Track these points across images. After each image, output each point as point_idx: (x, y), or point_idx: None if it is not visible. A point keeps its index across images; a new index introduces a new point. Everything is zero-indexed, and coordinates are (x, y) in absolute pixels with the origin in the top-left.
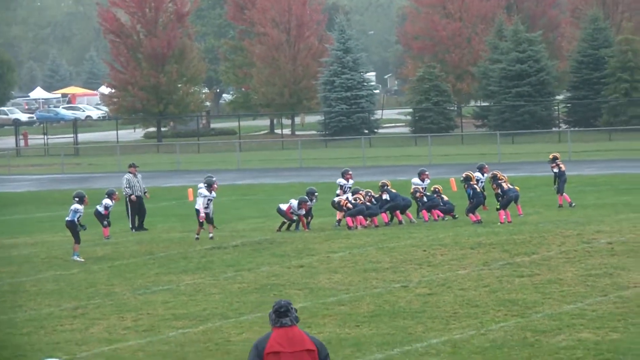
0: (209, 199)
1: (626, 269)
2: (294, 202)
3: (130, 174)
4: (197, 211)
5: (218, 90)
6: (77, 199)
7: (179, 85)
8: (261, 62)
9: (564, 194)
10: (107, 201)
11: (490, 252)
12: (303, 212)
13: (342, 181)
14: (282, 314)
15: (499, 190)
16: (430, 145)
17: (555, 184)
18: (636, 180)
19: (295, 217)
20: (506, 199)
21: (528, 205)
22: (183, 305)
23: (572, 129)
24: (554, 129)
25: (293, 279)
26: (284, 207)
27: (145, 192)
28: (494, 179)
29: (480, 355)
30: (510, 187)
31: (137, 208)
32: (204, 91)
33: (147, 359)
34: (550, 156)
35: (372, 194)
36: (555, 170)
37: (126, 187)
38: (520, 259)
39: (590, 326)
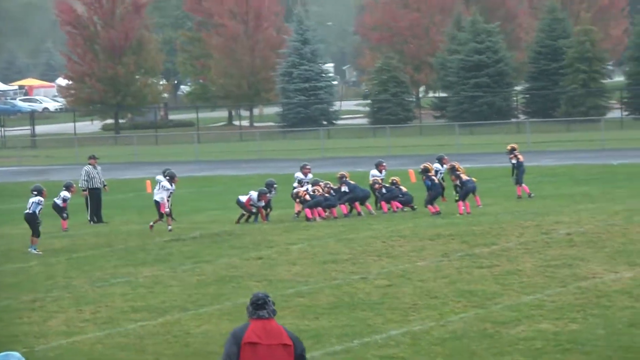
0: (170, 192)
1: (585, 260)
2: (254, 194)
3: (90, 166)
4: (157, 203)
5: (176, 82)
6: (35, 192)
7: (137, 77)
8: (219, 54)
9: (523, 184)
10: (65, 193)
11: (449, 243)
12: (262, 203)
13: (299, 175)
14: (259, 306)
15: (458, 182)
16: (388, 136)
17: (513, 175)
18: (594, 171)
19: (254, 209)
20: (465, 190)
21: (487, 196)
22: (142, 297)
23: (530, 119)
24: (512, 119)
25: (252, 270)
26: (243, 198)
27: (104, 185)
28: (452, 170)
29: (440, 347)
30: (468, 178)
31: (95, 200)
32: (161, 83)
33: (105, 352)
34: (509, 147)
35: (331, 185)
36: (514, 161)
37: (84, 179)
38: (479, 250)
39: (549, 317)
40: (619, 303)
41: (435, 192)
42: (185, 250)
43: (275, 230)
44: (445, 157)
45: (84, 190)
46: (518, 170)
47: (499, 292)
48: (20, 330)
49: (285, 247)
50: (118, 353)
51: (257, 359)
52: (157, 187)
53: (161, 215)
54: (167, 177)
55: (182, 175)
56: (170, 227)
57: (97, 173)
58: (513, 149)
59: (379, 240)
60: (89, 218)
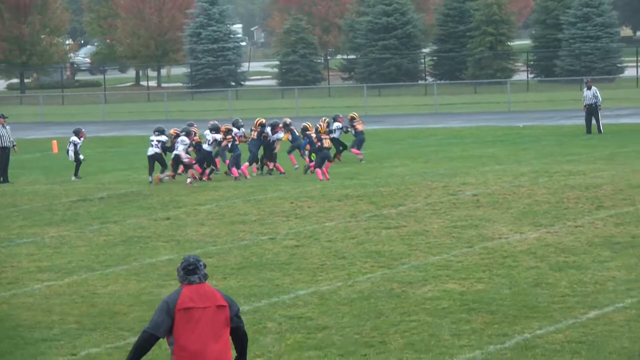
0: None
1: (491, 221)
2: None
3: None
4: (177, 156)
5: (82, 42)
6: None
7: (42, 36)
8: (126, 14)
9: (354, 149)
10: None
11: (357, 204)
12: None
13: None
14: (190, 271)
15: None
16: (297, 97)
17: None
18: (501, 133)
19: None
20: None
21: (394, 158)
22: (48, 257)
23: (438, 82)
24: (420, 81)
25: (160, 231)
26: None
27: (14, 145)
28: (351, 120)
29: (347, 306)
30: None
31: (4, 160)
32: (68, 42)
33: (11, 312)
34: (349, 116)
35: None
36: (353, 131)
37: (2, 136)
38: (387, 211)
39: (455, 277)
40: (524, 263)
41: (295, 144)
42: (93, 210)
43: (182, 191)
44: (340, 116)
45: (6, 147)
46: (357, 139)
47: (406, 253)
48: None
49: (193, 207)
50: (24, 313)
51: (194, 322)
52: (179, 143)
53: (187, 167)
54: (184, 133)
55: (89, 136)
56: (189, 180)
57: (7, 132)
58: (353, 119)
59: (287, 201)
60: None
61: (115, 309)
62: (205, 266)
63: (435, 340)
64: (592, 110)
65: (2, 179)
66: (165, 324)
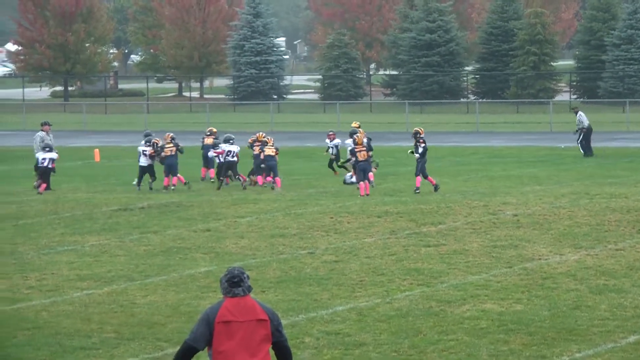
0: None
1: (531, 241)
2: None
3: (44, 132)
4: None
5: (126, 51)
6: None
7: (87, 45)
8: (171, 24)
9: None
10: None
11: (397, 220)
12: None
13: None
14: (234, 284)
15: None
16: (338, 112)
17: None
18: (542, 153)
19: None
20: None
21: (435, 175)
22: (88, 266)
23: (480, 100)
24: (462, 99)
25: (199, 242)
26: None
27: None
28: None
29: (386, 324)
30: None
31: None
32: (112, 51)
33: (50, 319)
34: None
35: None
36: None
37: (39, 145)
38: (426, 229)
39: (494, 297)
40: (564, 285)
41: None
42: (133, 220)
43: (223, 203)
44: (332, 133)
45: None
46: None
47: (445, 271)
48: None
49: (233, 220)
50: (63, 321)
51: (232, 336)
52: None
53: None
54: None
55: (130, 145)
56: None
57: (50, 140)
58: (417, 133)
59: (327, 216)
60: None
61: (153, 320)
62: (249, 278)
63: None
64: (579, 134)
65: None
66: (205, 336)
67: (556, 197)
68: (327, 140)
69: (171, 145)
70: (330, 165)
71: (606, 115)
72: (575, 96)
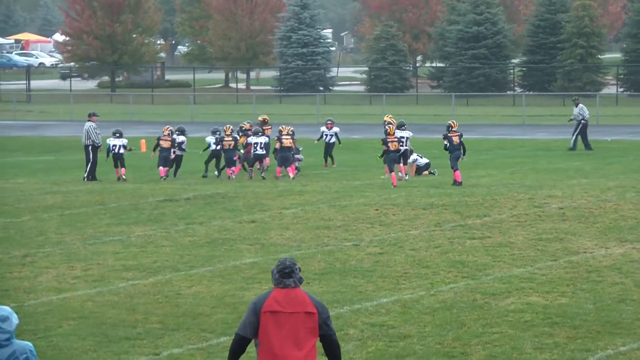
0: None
1: (577, 235)
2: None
3: (93, 123)
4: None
5: (173, 42)
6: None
7: (134, 36)
8: (218, 15)
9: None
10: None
11: (442, 213)
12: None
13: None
14: (286, 274)
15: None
16: (384, 104)
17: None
18: None
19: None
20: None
21: (480, 168)
22: (133, 256)
23: (526, 92)
24: (508, 92)
25: (244, 234)
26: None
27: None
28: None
29: (430, 316)
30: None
31: (95, 158)
32: (159, 42)
33: (96, 309)
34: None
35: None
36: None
37: (98, 134)
38: (471, 221)
39: (539, 290)
40: (609, 279)
41: None
42: (179, 211)
43: (268, 194)
44: (330, 121)
45: (98, 146)
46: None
47: (490, 264)
48: (11, 285)
49: (278, 211)
50: (108, 311)
51: (279, 326)
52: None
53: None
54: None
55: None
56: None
57: (97, 131)
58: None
59: (372, 208)
60: (85, 175)
61: (198, 310)
62: (300, 270)
63: (517, 353)
64: (583, 127)
65: (90, 177)
66: (253, 324)
67: (602, 191)
68: (324, 129)
69: (230, 138)
70: (327, 154)
71: None
72: (622, 89)
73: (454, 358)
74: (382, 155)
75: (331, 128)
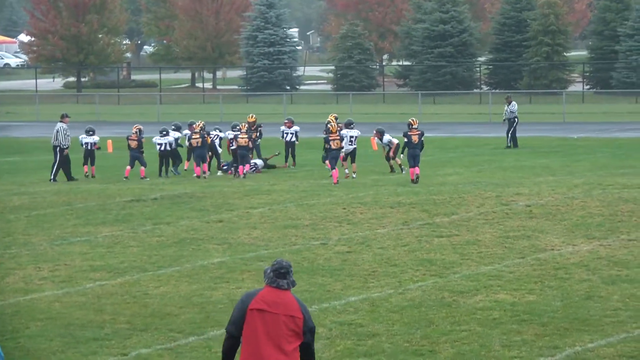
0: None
1: (544, 232)
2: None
3: (64, 124)
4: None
5: (139, 42)
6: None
7: (100, 36)
8: (184, 15)
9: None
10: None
11: (409, 211)
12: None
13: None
14: (281, 274)
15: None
16: (351, 103)
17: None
18: (555, 144)
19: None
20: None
21: (448, 166)
22: (101, 257)
23: (493, 90)
24: (475, 90)
25: (212, 233)
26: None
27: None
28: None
29: (398, 314)
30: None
31: (67, 159)
32: (125, 42)
33: (63, 310)
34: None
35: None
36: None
37: (67, 135)
38: (439, 219)
39: (507, 287)
40: (576, 276)
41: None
42: (146, 211)
43: (235, 194)
44: (288, 120)
45: (65, 148)
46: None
47: (458, 262)
48: None
49: (245, 210)
50: (76, 312)
51: (263, 326)
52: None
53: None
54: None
55: (144, 136)
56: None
57: (67, 132)
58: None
59: (340, 207)
60: (52, 176)
61: (166, 310)
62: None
63: (485, 350)
64: (511, 124)
65: (67, 177)
66: (240, 321)
67: (569, 188)
68: (283, 127)
69: (198, 136)
70: (288, 153)
71: (619, 106)
72: (588, 86)
73: (422, 356)
74: (324, 149)
75: (291, 127)
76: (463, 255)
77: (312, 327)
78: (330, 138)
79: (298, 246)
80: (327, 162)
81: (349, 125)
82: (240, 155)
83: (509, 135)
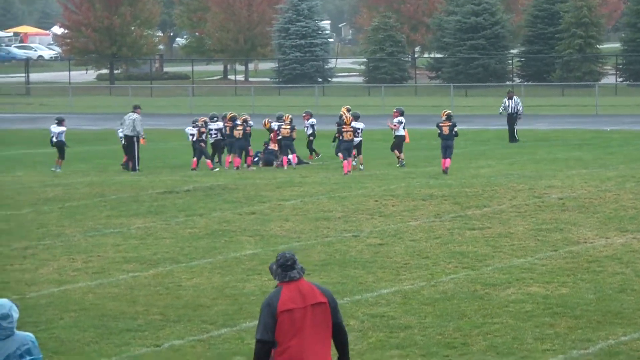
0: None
1: (577, 225)
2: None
3: (139, 115)
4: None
5: (172, 34)
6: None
7: (133, 28)
8: (216, 7)
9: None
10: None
11: (441, 204)
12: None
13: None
14: (288, 267)
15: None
16: (383, 95)
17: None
18: (588, 136)
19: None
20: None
21: (480, 159)
22: (133, 248)
23: (525, 83)
24: (507, 82)
25: (244, 225)
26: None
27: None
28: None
29: (430, 307)
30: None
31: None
32: (157, 34)
33: (96, 301)
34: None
35: None
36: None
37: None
38: (471, 212)
39: (539, 280)
40: (609, 269)
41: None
42: (178, 203)
43: (268, 186)
44: (306, 114)
45: (143, 138)
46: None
47: (490, 254)
48: (12, 277)
49: (278, 203)
50: (109, 303)
51: (295, 323)
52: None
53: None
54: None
55: (176, 128)
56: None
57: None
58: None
59: (372, 199)
60: (137, 166)
61: (199, 302)
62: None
63: (518, 343)
64: (512, 119)
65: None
66: (273, 326)
67: (602, 181)
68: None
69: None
70: (308, 147)
71: None
72: (621, 79)
73: (455, 349)
74: (334, 140)
75: (308, 119)
76: (495, 247)
77: (335, 305)
78: (343, 129)
79: (330, 238)
80: (339, 154)
81: (356, 118)
82: (285, 146)
83: (514, 128)
